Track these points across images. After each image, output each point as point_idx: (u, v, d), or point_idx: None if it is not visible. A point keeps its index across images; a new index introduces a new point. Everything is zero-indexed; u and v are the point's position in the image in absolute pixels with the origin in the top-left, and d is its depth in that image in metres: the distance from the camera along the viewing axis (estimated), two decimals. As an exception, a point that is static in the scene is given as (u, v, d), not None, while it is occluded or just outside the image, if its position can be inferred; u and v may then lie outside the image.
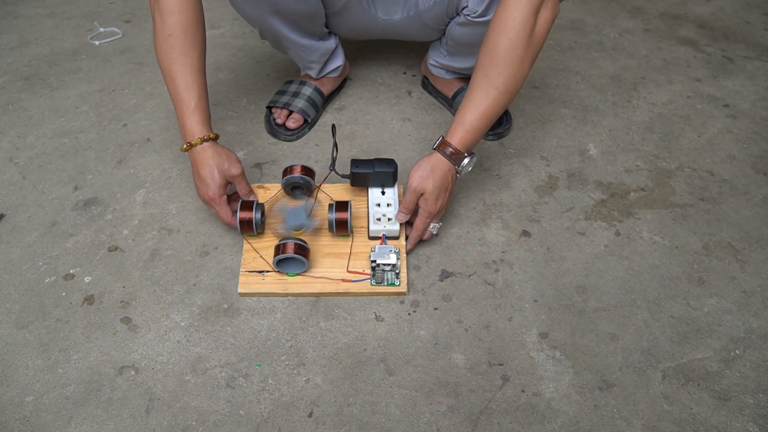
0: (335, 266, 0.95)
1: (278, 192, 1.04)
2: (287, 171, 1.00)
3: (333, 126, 1.02)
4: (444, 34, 1.17)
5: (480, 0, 1.00)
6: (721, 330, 0.90)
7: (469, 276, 0.97)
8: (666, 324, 0.91)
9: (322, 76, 1.26)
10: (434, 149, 0.95)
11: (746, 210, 1.09)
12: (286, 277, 0.94)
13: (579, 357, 0.87)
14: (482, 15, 1.01)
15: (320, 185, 1.03)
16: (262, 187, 1.06)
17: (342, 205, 0.96)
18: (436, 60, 1.25)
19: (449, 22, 1.12)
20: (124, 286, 0.96)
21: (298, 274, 0.94)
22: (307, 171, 1.00)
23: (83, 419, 0.80)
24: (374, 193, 1.01)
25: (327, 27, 1.18)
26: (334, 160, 1.00)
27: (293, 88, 1.25)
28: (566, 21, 1.59)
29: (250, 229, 0.96)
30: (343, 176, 1.01)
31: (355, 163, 1.00)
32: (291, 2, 1.03)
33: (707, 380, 0.84)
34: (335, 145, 1.00)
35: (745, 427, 0.79)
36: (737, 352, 0.88)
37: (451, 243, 1.02)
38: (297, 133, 1.22)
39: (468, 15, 1.03)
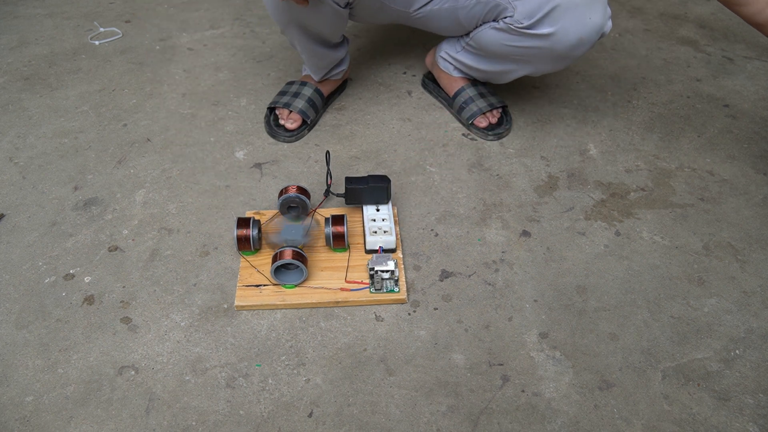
0: (333, 278, 0.95)
1: (275, 215, 1.05)
2: (283, 192, 1.01)
3: (327, 153, 1.04)
4: (466, 34, 1.17)
5: (528, 15, 1.00)
6: (721, 330, 0.90)
7: (469, 276, 0.97)
8: (666, 324, 0.91)
9: (324, 79, 1.27)
10: None
11: (746, 210, 1.09)
12: (283, 288, 0.94)
13: (579, 357, 0.87)
14: (528, 28, 1.01)
15: (315, 209, 1.04)
16: (259, 213, 1.05)
17: (338, 219, 0.96)
18: (449, 53, 1.24)
19: (481, 24, 1.12)
20: (124, 286, 0.96)
21: (296, 285, 0.94)
22: (302, 190, 1.00)
23: (83, 419, 0.80)
24: (369, 210, 1.01)
25: (351, 18, 1.19)
26: (328, 186, 1.03)
27: (294, 88, 1.26)
28: (566, 21, 1.59)
29: (247, 245, 0.96)
30: (338, 195, 1.03)
31: (349, 180, 1.01)
32: (315, 22, 1.06)
33: (707, 380, 0.84)
34: (329, 172, 1.03)
35: (745, 427, 0.79)
36: (737, 352, 0.88)
37: (451, 243, 1.02)
38: (296, 134, 1.22)
39: (511, 24, 1.03)
